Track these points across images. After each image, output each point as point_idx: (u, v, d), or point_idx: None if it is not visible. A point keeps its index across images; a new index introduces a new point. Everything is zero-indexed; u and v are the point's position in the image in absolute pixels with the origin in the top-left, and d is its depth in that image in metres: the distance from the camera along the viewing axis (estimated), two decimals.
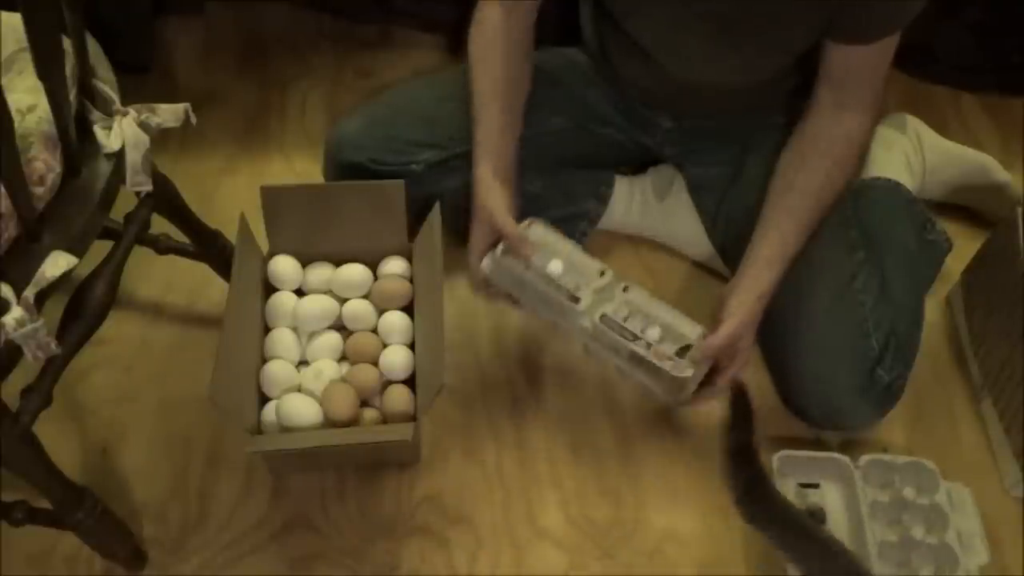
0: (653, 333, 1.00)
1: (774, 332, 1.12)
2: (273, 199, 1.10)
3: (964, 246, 1.29)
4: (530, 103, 1.17)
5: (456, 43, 1.19)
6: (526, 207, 1.13)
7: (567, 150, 1.21)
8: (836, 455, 1.07)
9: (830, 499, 1.07)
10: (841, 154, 1.06)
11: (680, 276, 1.32)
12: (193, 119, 0.89)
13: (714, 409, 1.16)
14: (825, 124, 1.06)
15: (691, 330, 1.00)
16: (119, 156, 0.84)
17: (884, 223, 1.21)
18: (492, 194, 1.03)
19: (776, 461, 1.06)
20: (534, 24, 1.11)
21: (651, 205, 1.31)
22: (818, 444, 1.14)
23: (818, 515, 1.06)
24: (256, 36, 1.63)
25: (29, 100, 0.78)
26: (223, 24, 1.63)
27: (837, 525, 1.05)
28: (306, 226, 1.12)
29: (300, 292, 1.14)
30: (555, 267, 1.02)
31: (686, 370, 0.97)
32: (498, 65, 1.10)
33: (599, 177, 1.30)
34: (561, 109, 1.14)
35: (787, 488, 1.06)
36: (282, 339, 1.09)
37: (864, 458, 1.06)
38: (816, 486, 1.07)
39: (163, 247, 1.12)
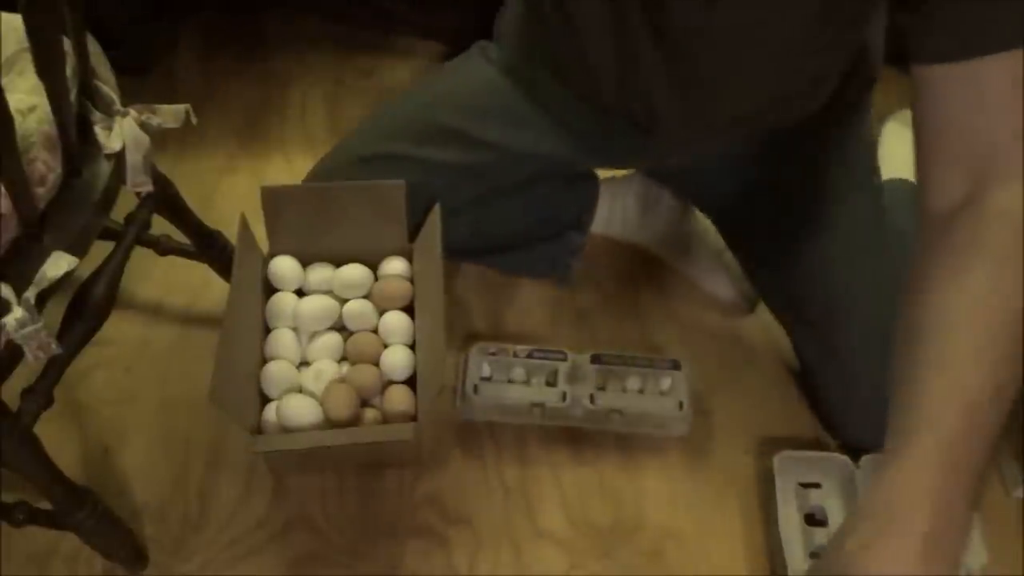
0: None
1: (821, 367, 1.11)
2: (273, 199, 1.10)
3: None
4: (518, 122, 1.09)
5: (457, 49, 1.17)
6: (507, 223, 1.11)
7: (553, 168, 1.14)
8: (836, 455, 1.08)
9: (830, 499, 1.07)
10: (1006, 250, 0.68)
11: (680, 275, 1.32)
12: (193, 119, 0.89)
13: (713, 408, 1.17)
14: (970, 222, 0.69)
15: None
16: (119, 157, 0.84)
17: (910, 227, 1.18)
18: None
19: (776, 461, 1.06)
20: None
21: (632, 217, 1.31)
22: (818, 444, 1.14)
23: (818, 515, 1.06)
24: (256, 36, 1.63)
25: (30, 100, 0.78)
26: (223, 24, 1.63)
27: (837, 525, 1.05)
28: (306, 226, 1.12)
29: (300, 292, 1.14)
30: None
31: None
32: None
33: (585, 186, 1.22)
34: (550, 131, 1.07)
35: (787, 488, 1.06)
36: (282, 339, 1.09)
37: (864, 458, 1.06)
38: (816, 486, 1.07)
39: (163, 248, 1.12)
